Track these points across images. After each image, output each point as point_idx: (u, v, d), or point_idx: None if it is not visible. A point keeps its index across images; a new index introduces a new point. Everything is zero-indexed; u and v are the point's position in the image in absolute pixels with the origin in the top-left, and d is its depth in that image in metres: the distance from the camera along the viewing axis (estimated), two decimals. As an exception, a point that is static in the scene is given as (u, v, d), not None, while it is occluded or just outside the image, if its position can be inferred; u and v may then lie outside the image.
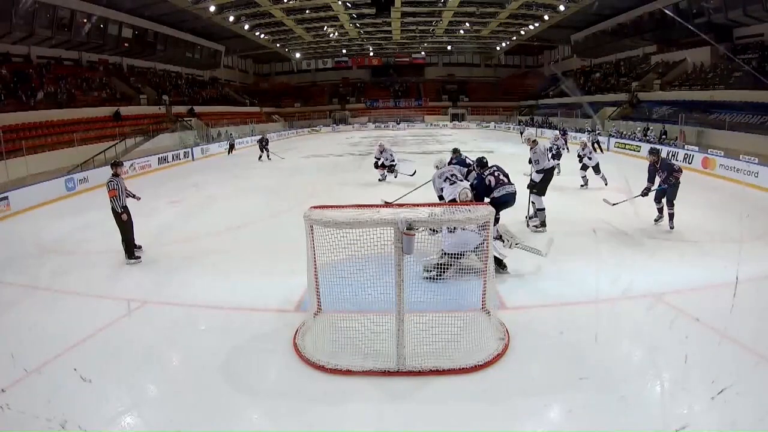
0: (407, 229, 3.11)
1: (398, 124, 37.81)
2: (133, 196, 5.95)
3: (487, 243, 3.65)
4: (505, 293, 4.38)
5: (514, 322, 3.78)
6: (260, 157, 17.26)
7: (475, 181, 5.70)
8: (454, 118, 39.46)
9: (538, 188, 6.71)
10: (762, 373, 3.10)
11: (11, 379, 3.18)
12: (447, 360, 3.28)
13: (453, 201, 5.33)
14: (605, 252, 5.63)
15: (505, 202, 5.54)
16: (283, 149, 20.06)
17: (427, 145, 22.53)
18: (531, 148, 6.75)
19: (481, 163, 6.03)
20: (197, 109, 27.25)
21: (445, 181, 5.71)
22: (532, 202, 6.85)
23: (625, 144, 17.62)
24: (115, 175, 5.71)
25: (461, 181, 5.73)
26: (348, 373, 3.21)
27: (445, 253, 4.48)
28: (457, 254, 4.38)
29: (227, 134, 24.87)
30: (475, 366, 3.23)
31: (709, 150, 13.63)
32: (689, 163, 12.88)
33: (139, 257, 5.73)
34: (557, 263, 5.29)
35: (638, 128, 19.82)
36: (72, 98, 19.50)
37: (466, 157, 7.21)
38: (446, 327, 3.55)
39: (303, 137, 32.08)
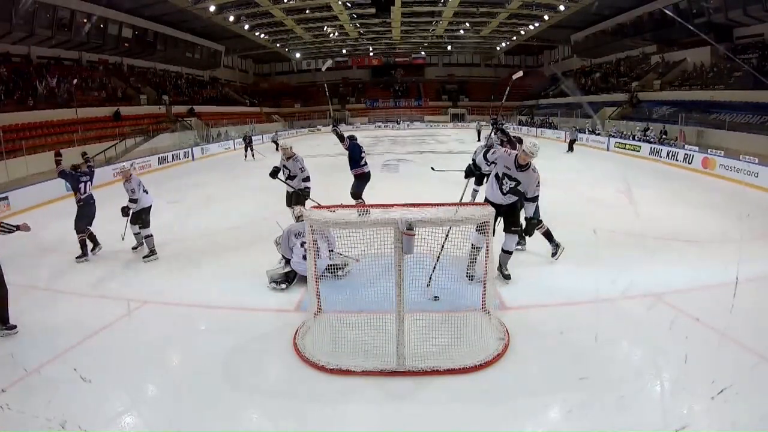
0: (407, 229, 3.11)
1: (398, 124, 37.81)
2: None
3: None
4: (505, 293, 4.38)
5: (514, 322, 3.78)
6: (245, 156, 17.38)
7: (350, 149, 6.61)
8: (454, 118, 39.45)
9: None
10: (762, 373, 3.10)
11: (11, 379, 3.18)
12: (447, 360, 3.28)
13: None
14: (605, 252, 5.62)
15: (368, 179, 6.75)
16: (283, 149, 20.03)
17: (427, 144, 22.53)
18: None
19: (353, 137, 6.86)
20: (197, 109, 27.25)
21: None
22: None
23: (625, 144, 17.60)
24: None
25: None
26: (348, 373, 3.21)
27: (292, 270, 4.81)
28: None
29: (249, 130, 25.00)
30: (475, 366, 3.23)
31: (709, 150, 13.63)
32: (689, 163, 12.90)
33: (14, 326, 3.88)
34: (557, 263, 5.28)
35: (638, 128, 19.81)
36: (72, 98, 19.50)
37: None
38: (446, 327, 3.55)
39: (303, 137, 32.04)
